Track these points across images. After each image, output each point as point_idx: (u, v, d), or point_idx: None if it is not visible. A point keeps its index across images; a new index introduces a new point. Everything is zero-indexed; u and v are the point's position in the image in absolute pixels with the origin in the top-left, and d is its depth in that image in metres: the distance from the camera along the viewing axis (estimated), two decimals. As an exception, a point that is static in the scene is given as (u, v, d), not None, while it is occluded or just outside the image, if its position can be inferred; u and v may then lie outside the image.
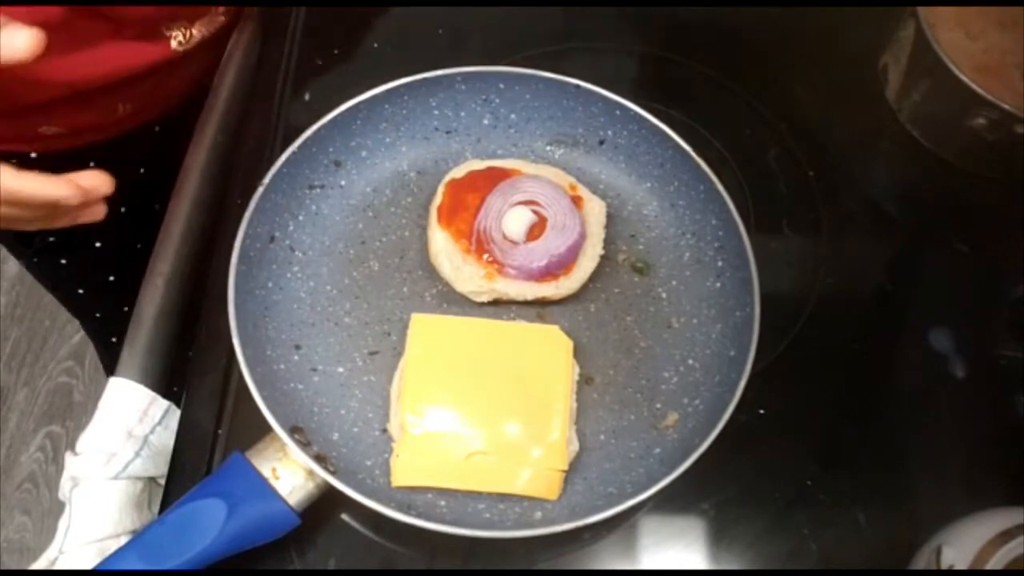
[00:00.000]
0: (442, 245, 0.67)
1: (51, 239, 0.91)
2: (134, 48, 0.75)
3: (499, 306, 0.68)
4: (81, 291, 1.02)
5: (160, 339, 0.72)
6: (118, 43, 0.74)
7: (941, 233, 0.77)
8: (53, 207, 0.58)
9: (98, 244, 0.93)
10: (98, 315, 1.08)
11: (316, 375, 0.64)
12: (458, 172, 0.69)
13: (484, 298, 0.67)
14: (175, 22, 0.77)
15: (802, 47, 0.85)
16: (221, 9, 0.80)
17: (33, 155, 0.83)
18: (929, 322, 0.72)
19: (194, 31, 0.79)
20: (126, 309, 0.72)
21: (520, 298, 0.67)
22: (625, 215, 0.72)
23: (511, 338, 0.65)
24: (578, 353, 0.65)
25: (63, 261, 0.95)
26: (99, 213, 0.62)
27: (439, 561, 0.62)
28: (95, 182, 0.58)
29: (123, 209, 0.91)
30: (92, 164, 0.87)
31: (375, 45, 0.82)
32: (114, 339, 0.74)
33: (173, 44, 0.78)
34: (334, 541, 0.62)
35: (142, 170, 0.91)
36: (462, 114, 0.73)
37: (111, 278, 0.98)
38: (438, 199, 0.68)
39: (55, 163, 0.84)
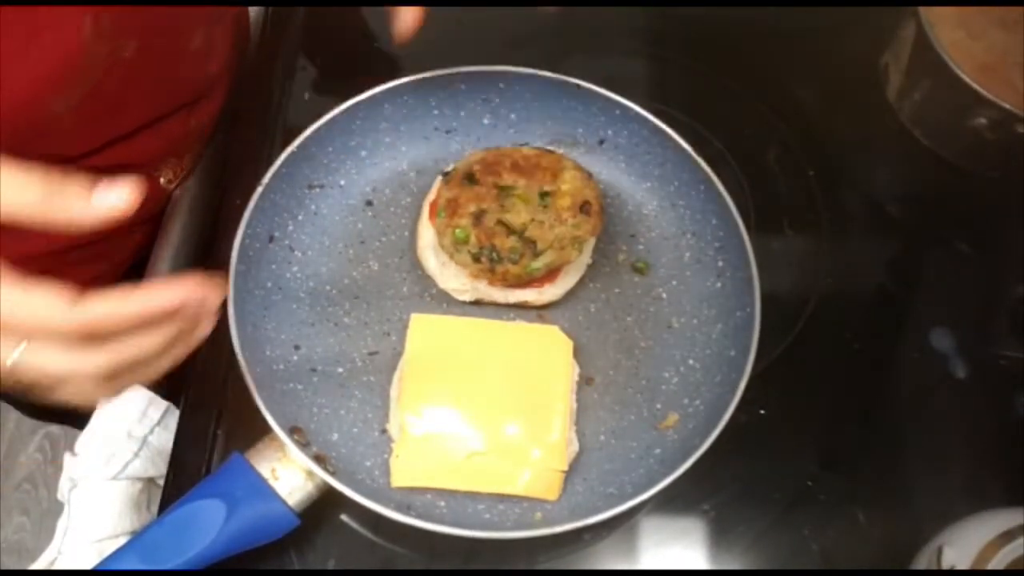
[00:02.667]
0: (429, 240, 0.67)
1: None
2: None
3: (498, 306, 0.68)
4: None
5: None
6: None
7: (941, 233, 0.77)
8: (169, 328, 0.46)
9: None
10: None
11: (316, 375, 0.64)
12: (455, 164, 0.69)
13: (467, 297, 0.67)
14: (165, 162, 0.73)
15: (802, 47, 0.85)
16: (207, 135, 0.76)
17: None
18: (929, 322, 0.72)
19: (184, 164, 0.75)
20: None
21: (503, 300, 0.67)
22: (625, 215, 0.72)
23: (511, 338, 0.65)
24: (578, 353, 0.65)
25: None
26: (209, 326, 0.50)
27: (439, 561, 0.62)
28: (203, 290, 0.46)
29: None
30: None
31: (375, 45, 0.82)
32: None
33: (162, 182, 0.75)
34: (334, 541, 0.62)
35: None
36: (462, 114, 0.73)
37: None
38: (432, 194, 0.68)
39: None
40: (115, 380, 0.45)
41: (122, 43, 0.56)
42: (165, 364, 0.47)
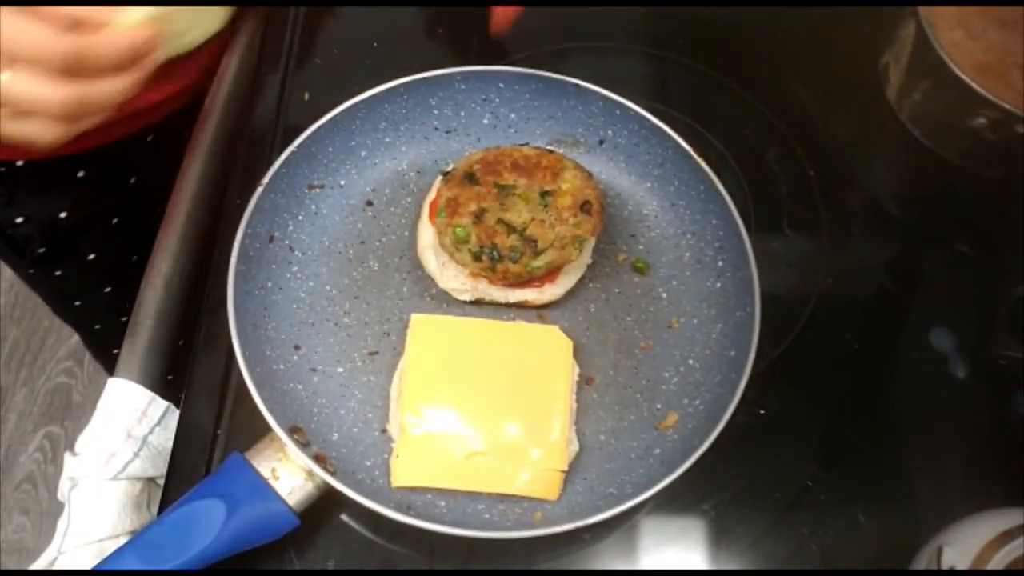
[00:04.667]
0: (429, 240, 0.67)
1: (42, 250, 0.89)
2: None
3: (498, 306, 0.68)
4: (78, 303, 1.00)
5: (159, 339, 0.71)
6: None
7: (941, 233, 0.77)
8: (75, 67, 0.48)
9: (92, 256, 0.92)
10: (97, 327, 1.06)
11: (315, 375, 0.64)
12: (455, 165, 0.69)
13: (466, 296, 0.67)
14: None
15: (802, 47, 0.85)
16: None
17: (19, 163, 0.81)
18: (929, 322, 0.72)
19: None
20: (124, 320, 0.70)
21: (502, 300, 0.67)
22: (625, 215, 0.72)
23: (511, 338, 0.65)
24: (578, 353, 0.65)
25: (58, 273, 0.93)
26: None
27: (439, 561, 0.62)
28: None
29: (116, 220, 0.90)
30: (81, 173, 0.85)
31: (375, 45, 0.82)
32: (115, 350, 0.71)
33: None
34: (334, 541, 0.62)
35: (133, 179, 0.90)
36: (462, 114, 0.73)
37: (107, 289, 0.96)
38: (432, 194, 0.68)
39: (43, 172, 0.82)
40: (75, 121, 0.50)
41: None
42: (110, 109, 0.52)
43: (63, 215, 0.86)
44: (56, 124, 0.49)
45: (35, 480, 1.63)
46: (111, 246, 0.90)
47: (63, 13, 0.48)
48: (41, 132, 0.50)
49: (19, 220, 0.86)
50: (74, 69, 0.48)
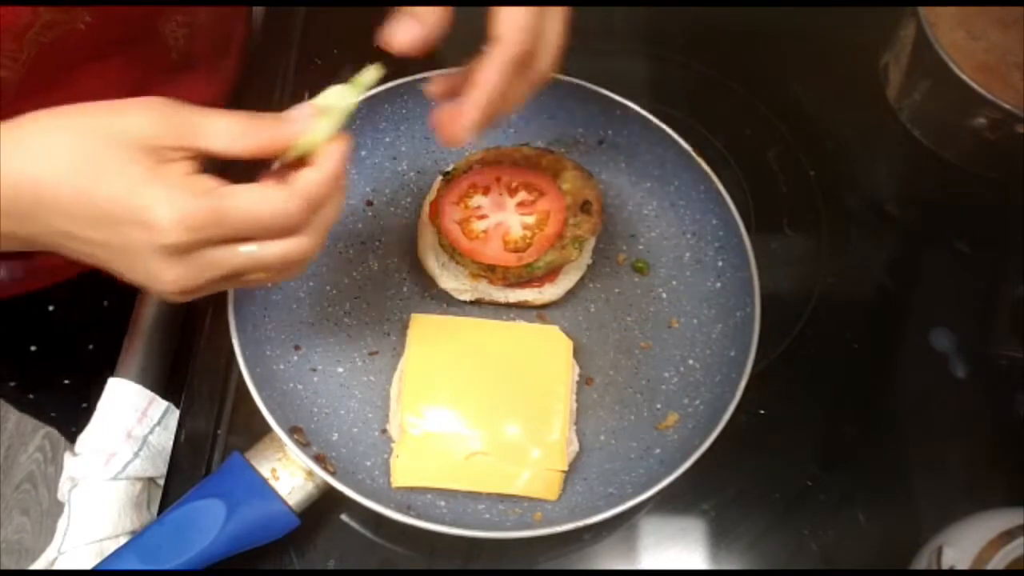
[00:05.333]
0: (429, 241, 0.67)
1: (12, 383, 0.86)
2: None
3: (498, 306, 0.68)
4: (32, 396, 0.93)
5: (159, 339, 0.71)
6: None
7: (941, 233, 0.77)
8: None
9: (33, 348, 0.86)
10: (53, 414, 1.00)
11: (316, 375, 0.64)
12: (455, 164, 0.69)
13: (467, 296, 0.67)
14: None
15: (802, 47, 0.85)
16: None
17: None
18: (929, 322, 0.72)
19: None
20: (84, 406, 0.68)
21: (502, 300, 0.67)
22: (625, 215, 0.72)
23: (511, 338, 0.65)
24: (578, 353, 0.65)
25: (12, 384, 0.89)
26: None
27: (439, 561, 0.62)
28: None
29: (91, 347, 0.86)
30: (51, 307, 0.78)
31: (375, 45, 0.82)
32: (73, 429, 0.69)
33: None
34: (334, 541, 0.62)
35: (105, 303, 0.83)
36: (462, 114, 0.73)
37: (66, 381, 0.90)
38: (432, 194, 0.68)
39: (12, 308, 0.74)
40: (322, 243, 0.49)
41: (74, 15, 0.55)
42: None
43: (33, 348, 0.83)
44: (307, 262, 0.49)
45: (35, 480, 1.63)
46: (80, 365, 0.86)
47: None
48: (299, 272, 0.50)
49: None
50: (312, 209, 0.47)
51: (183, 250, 0.44)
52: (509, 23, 0.49)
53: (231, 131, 0.46)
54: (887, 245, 0.76)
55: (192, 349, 0.68)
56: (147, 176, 0.43)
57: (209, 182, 0.45)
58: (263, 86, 0.79)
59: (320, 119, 0.48)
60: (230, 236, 0.45)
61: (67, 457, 0.65)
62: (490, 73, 0.49)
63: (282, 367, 0.63)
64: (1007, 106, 0.70)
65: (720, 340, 0.65)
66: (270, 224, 0.45)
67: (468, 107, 0.50)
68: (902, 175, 0.81)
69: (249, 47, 0.78)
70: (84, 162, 0.43)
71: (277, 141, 0.47)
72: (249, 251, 0.45)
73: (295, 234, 0.46)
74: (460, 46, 0.82)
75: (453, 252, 0.64)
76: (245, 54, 0.78)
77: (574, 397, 0.63)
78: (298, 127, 0.47)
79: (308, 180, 0.46)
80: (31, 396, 0.93)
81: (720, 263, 0.68)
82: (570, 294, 0.68)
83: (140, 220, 0.43)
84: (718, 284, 0.68)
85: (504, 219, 0.65)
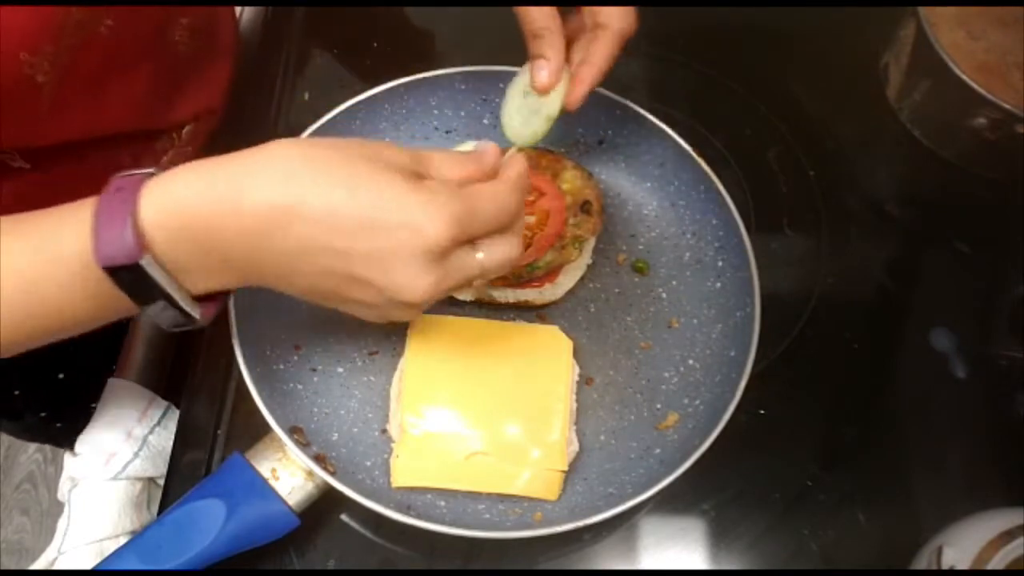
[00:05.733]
0: None
1: None
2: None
3: (498, 306, 0.68)
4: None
5: (159, 339, 0.71)
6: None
7: (941, 233, 0.77)
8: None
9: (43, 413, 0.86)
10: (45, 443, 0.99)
11: (316, 375, 0.64)
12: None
13: (466, 296, 0.67)
14: (138, 163, 0.67)
15: (802, 47, 0.85)
16: (185, 138, 0.72)
17: None
18: (929, 322, 0.72)
19: (161, 168, 0.72)
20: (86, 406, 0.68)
21: (502, 300, 0.67)
22: (625, 215, 0.72)
23: (511, 338, 0.65)
24: (578, 353, 0.65)
25: None
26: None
27: (439, 561, 0.62)
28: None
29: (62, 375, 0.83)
30: None
31: (375, 45, 0.82)
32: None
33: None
34: (334, 541, 0.62)
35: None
36: (462, 114, 0.73)
37: (43, 414, 0.88)
38: None
39: None
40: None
41: (98, 15, 0.55)
42: None
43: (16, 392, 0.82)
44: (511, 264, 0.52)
45: (35, 480, 1.63)
46: (80, 365, 0.87)
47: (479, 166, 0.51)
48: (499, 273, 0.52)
49: None
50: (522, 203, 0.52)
51: (442, 254, 0.47)
52: (616, 11, 0.58)
53: (450, 161, 0.51)
54: (887, 245, 0.76)
55: (192, 349, 0.68)
56: (412, 186, 0.46)
57: (452, 184, 0.49)
58: (263, 86, 0.79)
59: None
60: (475, 234, 0.49)
61: (67, 457, 0.65)
62: (599, 52, 0.59)
63: (282, 367, 0.63)
64: (1007, 106, 0.70)
65: (720, 340, 0.65)
66: (500, 219, 0.49)
67: (579, 80, 0.59)
68: (902, 175, 0.81)
69: (239, 48, 0.79)
70: (348, 176, 0.46)
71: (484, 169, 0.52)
72: (481, 253, 0.49)
73: (508, 232, 0.51)
74: (460, 47, 0.82)
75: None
76: (238, 55, 0.78)
77: (574, 397, 0.63)
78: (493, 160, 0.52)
79: (515, 171, 0.51)
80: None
81: (720, 263, 0.68)
82: (570, 294, 0.68)
83: (411, 223, 0.45)
84: (718, 284, 0.68)
85: (504, 219, 0.65)
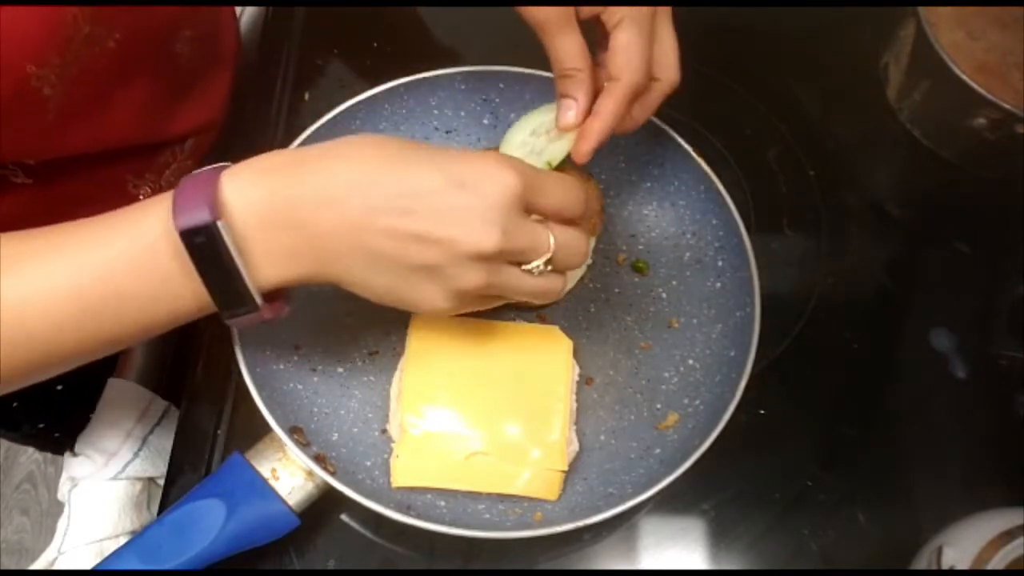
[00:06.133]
0: None
1: None
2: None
3: (498, 306, 0.68)
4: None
5: (159, 340, 0.71)
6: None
7: (941, 233, 0.77)
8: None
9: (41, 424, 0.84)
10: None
11: (316, 375, 0.64)
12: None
13: None
14: (141, 178, 0.69)
15: (802, 47, 0.85)
16: (187, 151, 0.72)
17: None
18: (929, 322, 0.72)
19: (163, 183, 0.71)
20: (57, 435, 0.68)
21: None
22: (625, 215, 0.72)
23: (511, 338, 0.65)
24: (578, 353, 0.65)
25: None
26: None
27: (439, 561, 0.62)
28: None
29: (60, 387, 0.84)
30: None
31: (375, 45, 0.82)
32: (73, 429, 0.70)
33: (142, 199, 0.69)
34: (334, 541, 0.62)
35: None
36: (462, 114, 0.73)
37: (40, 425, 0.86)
38: None
39: None
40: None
41: (106, 30, 0.55)
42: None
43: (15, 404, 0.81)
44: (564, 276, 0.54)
45: (35, 480, 1.63)
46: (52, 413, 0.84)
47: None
48: (560, 285, 0.54)
49: None
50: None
51: (511, 206, 0.47)
52: (622, 63, 0.56)
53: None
54: (887, 245, 0.76)
55: (192, 349, 0.68)
56: (482, 152, 0.49)
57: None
58: (263, 86, 0.79)
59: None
60: (544, 205, 0.49)
61: (67, 457, 0.65)
62: (608, 106, 0.57)
63: (282, 367, 0.63)
64: (1007, 106, 0.69)
65: (720, 340, 0.65)
66: (568, 202, 0.50)
67: (586, 134, 0.58)
68: (902, 175, 0.81)
69: (240, 58, 0.79)
70: (413, 146, 0.49)
71: None
72: (552, 234, 0.50)
73: (576, 227, 0.51)
74: (460, 47, 0.82)
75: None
76: (238, 64, 0.78)
77: (574, 397, 0.63)
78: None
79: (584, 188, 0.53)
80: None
81: (720, 263, 0.68)
82: (570, 294, 0.68)
83: (490, 173, 0.47)
84: (718, 284, 0.68)
85: (504, 219, 0.65)
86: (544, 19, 0.56)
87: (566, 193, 0.50)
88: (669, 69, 0.59)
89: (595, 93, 0.58)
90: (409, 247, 0.47)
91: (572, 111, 0.58)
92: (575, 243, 0.51)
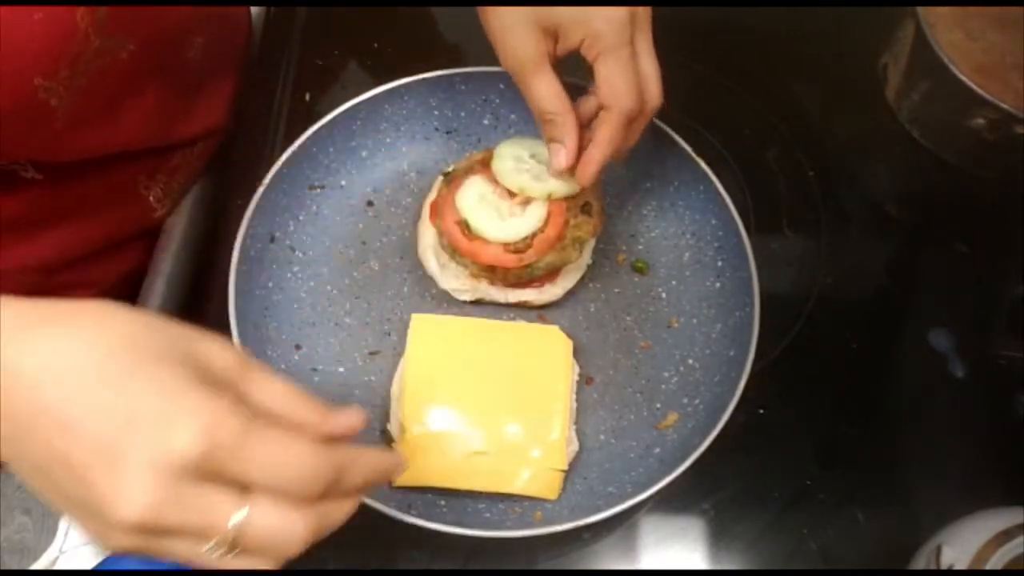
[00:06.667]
0: (430, 241, 0.67)
1: None
2: (111, 216, 0.67)
3: (498, 306, 0.68)
4: None
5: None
6: (90, 219, 0.64)
7: (941, 233, 0.77)
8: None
9: None
10: None
11: (316, 375, 0.64)
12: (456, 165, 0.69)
13: (466, 296, 0.67)
14: (152, 179, 0.69)
15: (802, 47, 0.85)
16: (197, 152, 0.72)
17: None
18: (929, 322, 0.72)
19: (174, 184, 0.71)
20: None
21: (502, 300, 0.67)
22: (625, 215, 0.72)
23: (511, 338, 0.65)
24: (578, 353, 0.65)
25: None
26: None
27: (439, 561, 0.62)
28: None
29: None
30: None
31: (375, 45, 0.82)
32: None
33: (151, 201, 0.70)
34: (333, 541, 0.62)
35: None
36: (462, 114, 0.73)
37: None
38: (433, 194, 0.68)
39: None
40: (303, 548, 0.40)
41: (119, 42, 0.55)
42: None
43: None
44: (283, 559, 0.40)
45: (36, 480, 1.63)
46: None
47: (316, 418, 0.40)
48: (264, 565, 0.39)
49: None
50: (326, 493, 0.39)
51: (182, 471, 0.34)
52: (608, 94, 0.56)
53: (283, 390, 0.41)
54: (886, 245, 0.76)
55: (193, 349, 0.68)
56: (193, 384, 0.36)
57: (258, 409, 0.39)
58: (263, 87, 0.79)
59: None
60: (242, 473, 0.36)
61: (68, 457, 0.65)
62: (604, 135, 0.58)
63: (282, 367, 0.63)
64: (1006, 106, 0.70)
65: (720, 340, 0.66)
66: (284, 474, 0.37)
67: (587, 161, 0.59)
68: (902, 175, 0.81)
69: (248, 59, 0.79)
70: (123, 363, 0.36)
71: None
72: (248, 508, 0.36)
73: (294, 504, 0.38)
74: (460, 47, 0.82)
75: (453, 252, 0.64)
76: (245, 66, 0.78)
77: (574, 397, 0.63)
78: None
79: (355, 455, 0.40)
80: None
81: (720, 263, 0.68)
82: (570, 294, 0.68)
83: (160, 414, 0.35)
84: (718, 284, 0.68)
85: (504, 219, 0.65)
86: (517, 64, 0.57)
87: (285, 464, 0.36)
88: (651, 94, 0.58)
89: (580, 128, 0.59)
90: (57, 470, 0.36)
91: (561, 155, 0.59)
92: (281, 528, 0.37)
